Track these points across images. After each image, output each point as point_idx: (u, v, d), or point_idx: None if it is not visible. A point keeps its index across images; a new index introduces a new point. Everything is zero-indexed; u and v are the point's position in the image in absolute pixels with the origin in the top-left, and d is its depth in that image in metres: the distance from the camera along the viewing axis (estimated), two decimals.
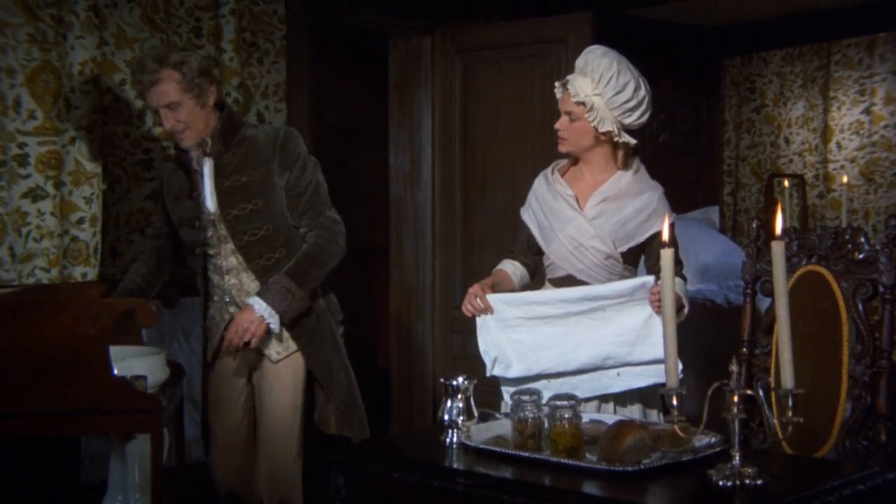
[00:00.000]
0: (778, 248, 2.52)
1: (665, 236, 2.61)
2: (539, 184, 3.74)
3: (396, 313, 6.00)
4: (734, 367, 2.54)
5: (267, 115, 4.91)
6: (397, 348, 6.00)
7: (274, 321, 3.67)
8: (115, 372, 3.44)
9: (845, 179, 6.91)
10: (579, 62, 3.55)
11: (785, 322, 2.49)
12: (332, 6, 5.35)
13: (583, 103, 3.49)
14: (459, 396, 3.00)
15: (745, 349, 3.52)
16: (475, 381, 3.04)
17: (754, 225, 3.55)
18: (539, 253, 3.69)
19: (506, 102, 5.52)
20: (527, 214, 3.74)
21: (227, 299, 3.84)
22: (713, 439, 2.74)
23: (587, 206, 3.58)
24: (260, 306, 3.65)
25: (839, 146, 7.15)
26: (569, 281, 3.57)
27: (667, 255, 2.57)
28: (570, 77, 3.54)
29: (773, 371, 3.42)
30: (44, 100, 4.28)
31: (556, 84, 3.60)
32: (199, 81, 3.64)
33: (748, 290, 3.54)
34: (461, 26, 5.73)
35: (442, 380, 3.05)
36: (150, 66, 3.61)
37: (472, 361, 5.69)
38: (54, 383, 3.37)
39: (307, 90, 5.14)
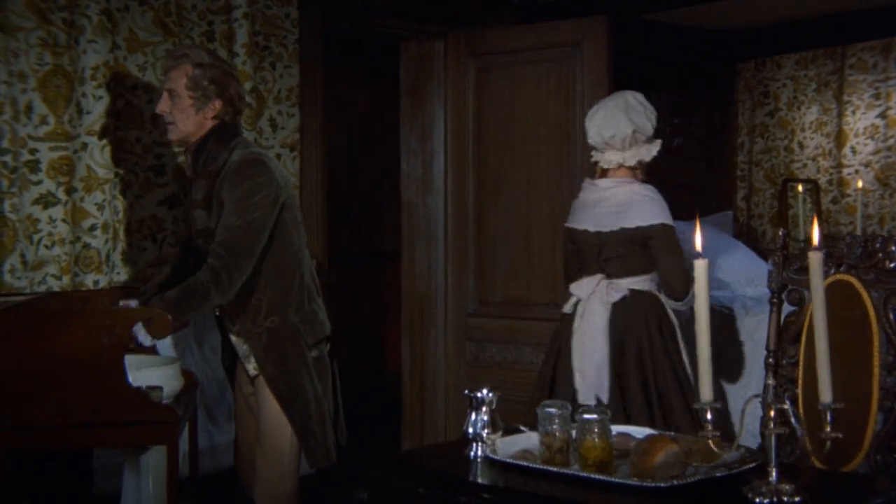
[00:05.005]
0: (815, 259, 2.46)
1: (699, 246, 2.55)
2: None
3: (408, 319, 5.94)
4: (770, 381, 2.48)
5: (280, 120, 4.84)
6: (409, 355, 5.93)
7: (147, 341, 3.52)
8: (131, 382, 3.39)
9: (860, 184, 6.85)
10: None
11: (822, 335, 2.43)
12: (344, 10, 5.28)
13: None
14: (484, 409, 2.93)
15: (771, 359, 3.45)
16: (500, 394, 2.97)
17: (780, 233, 3.49)
18: None
19: (520, 107, 5.45)
20: None
21: (217, 313, 3.83)
22: (745, 453, 2.67)
23: None
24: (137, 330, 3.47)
25: (853, 150, 7.09)
26: None
27: (700, 267, 2.51)
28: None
29: (800, 382, 3.36)
30: (56, 105, 4.23)
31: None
32: (205, 85, 3.59)
33: (774, 300, 3.47)
34: (474, 30, 5.67)
35: (466, 392, 2.98)
36: (176, 52, 3.72)
37: (484, 369, 5.66)
38: (69, 395, 3.32)
39: (320, 94, 5.08)
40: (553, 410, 2.77)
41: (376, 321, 7.65)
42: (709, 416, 2.47)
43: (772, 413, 2.43)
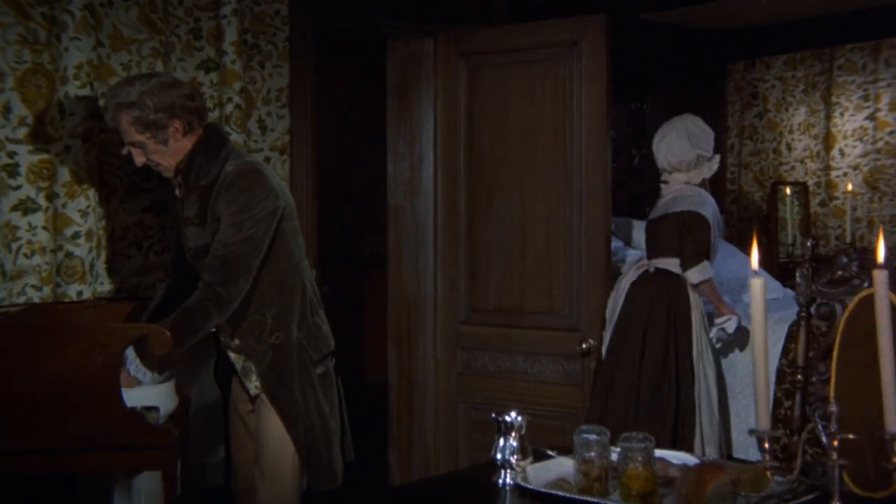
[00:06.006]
0: (881, 279, 2.31)
1: (755, 264, 2.40)
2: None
3: (395, 327, 5.73)
4: (833, 408, 2.32)
5: (269, 122, 4.63)
6: (396, 363, 5.72)
7: (144, 376, 3.37)
8: (126, 404, 3.19)
9: (850, 187, 6.76)
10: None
11: (889, 359, 2.28)
12: (332, 7, 5.07)
13: None
14: (513, 434, 2.76)
15: (800, 376, 3.31)
16: (529, 418, 2.79)
17: (809, 243, 3.34)
18: None
19: (514, 108, 5.25)
20: (713, 224, 4.80)
21: (213, 328, 3.62)
22: (795, 483, 2.52)
23: None
24: (130, 363, 3.32)
25: (842, 153, 7.00)
26: None
27: (757, 286, 2.35)
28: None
29: (832, 400, 3.20)
30: (35, 105, 3.98)
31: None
32: (155, 118, 3.39)
33: (803, 314, 3.32)
34: (466, 28, 5.47)
35: (493, 415, 2.81)
36: (106, 106, 3.47)
37: (476, 378, 5.47)
38: (60, 417, 3.11)
39: (310, 95, 4.86)
40: (591, 437, 2.60)
41: (356, 328, 7.45)
42: (766, 445, 2.32)
43: (836, 443, 2.28)
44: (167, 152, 3.48)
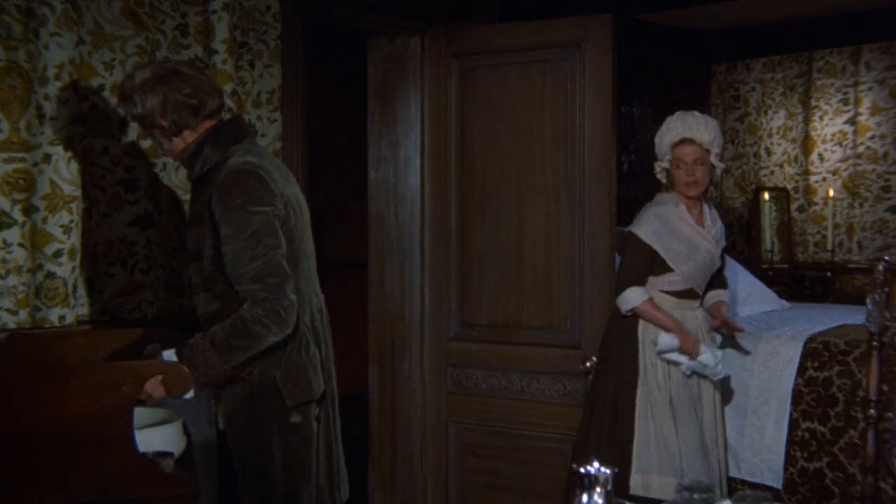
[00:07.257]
0: None
1: None
2: (669, 214, 4.33)
3: (377, 344, 5.38)
4: None
5: (259, 127, 4.26)
6: (378, 382, 5.38)
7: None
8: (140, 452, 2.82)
9: (831, 193, 6.61)
10: (691, 125, 4.32)
11: None
12: (318, 2, 4.70)
13: (708, 149, 4.32)
14: (598, 489, 2.46)
15: (872, 411, 3.08)
16: (616, 469, 2.50)
17: (881, 266, 3.11)
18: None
19: (510, 112, 4.95)
20: (652, 240, 4.25)
21: None
22: None
23: (711, 237, 4.44)
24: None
25: (821, 157, 6.85)
26: (690, 294, 4.34)
27: None
28: (688, 135, 4.29)
29: None
30: (10, 108, 3.58)
31: (676, 141, 4.31)
32: (142, 114, 3.07)
33: (875, 343, 3.10)
34: (456, 26, 5.16)
35: (573, 466, 2.51)
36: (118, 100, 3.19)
37: (467, 397, 5.17)
38: (65, 468, 2.74)
39: (301, 98, 4.49)
40: (697, 496, 2.32)
41: None
42: None
43: None
44: (169, 148, 3.12)
